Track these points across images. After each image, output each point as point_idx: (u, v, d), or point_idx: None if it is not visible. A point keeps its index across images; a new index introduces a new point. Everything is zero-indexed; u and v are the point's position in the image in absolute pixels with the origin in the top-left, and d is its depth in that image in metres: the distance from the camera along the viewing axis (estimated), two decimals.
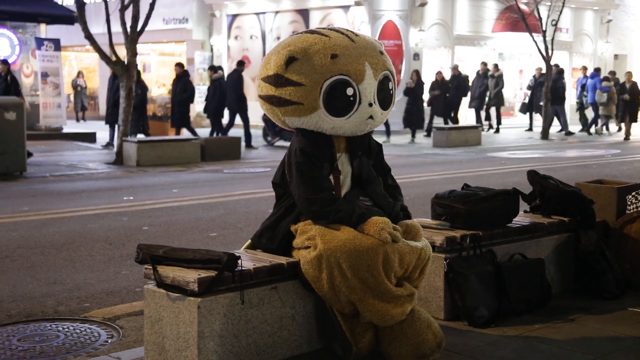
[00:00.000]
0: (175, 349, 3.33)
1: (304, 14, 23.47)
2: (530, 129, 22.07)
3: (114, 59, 13.46)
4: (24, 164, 11.53)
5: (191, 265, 3.38)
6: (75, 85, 27.00)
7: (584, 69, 23.04)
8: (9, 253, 6.25)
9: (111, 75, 15.99)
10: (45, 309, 4.74)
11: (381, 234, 3.33)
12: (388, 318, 3.39)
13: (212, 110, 17.10)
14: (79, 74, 27.67)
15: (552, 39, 19.71)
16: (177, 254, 3.46)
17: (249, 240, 3.79)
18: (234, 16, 25.28)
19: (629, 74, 21.09)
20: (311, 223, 3.46)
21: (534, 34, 19.70)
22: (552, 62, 20.27)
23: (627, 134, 20.04)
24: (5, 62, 14.99)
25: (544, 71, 20.64)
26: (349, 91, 3.47)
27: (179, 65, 17.47)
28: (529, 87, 22.37)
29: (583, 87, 22.25)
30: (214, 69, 17.70)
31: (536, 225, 4.61)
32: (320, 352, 3.60)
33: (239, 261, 3.34)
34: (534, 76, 22.21)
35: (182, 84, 16.63)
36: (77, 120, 26.51)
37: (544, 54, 19.81)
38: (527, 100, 22.57)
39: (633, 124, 20.55)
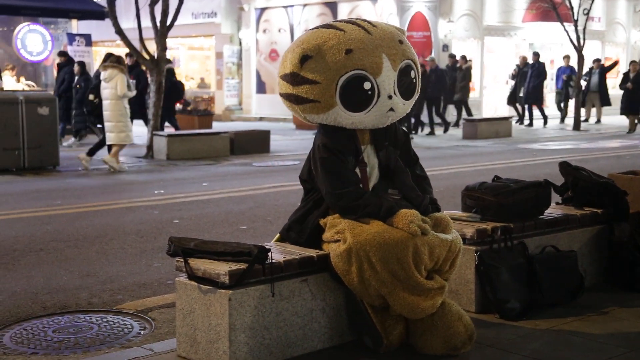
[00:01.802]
0: (206, 340, 3.36)
1: (332, 6, 23.42)
2: (521, 122, 20.81)
3: (144, 53, 13.56)
4: (57, 158, 11.69)
5: (222, 257, 3.40)
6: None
7: (567, 58, 21.83)
8: (44, 246, 6.35)
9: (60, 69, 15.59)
10: (79, 301, 4.81)
11: (410, 226, 3.32)
12: (418, 311, 3.38)
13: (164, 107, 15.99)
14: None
15: (584, 29, 19.43)
16: (208, 246, 3.48)
17: (278, 234, 3.80)
18: (262, 9, 25.32)
19: (635, 63, 20.04)
20: (340, 216, 3.46)
21: (565, 24, 19.44)
22: (584, 52, 19.94)
23: (633, 126, 19.03)
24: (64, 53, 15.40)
25: (530, 60, 20.10)
26: (367, 85, 3.44)
27: (130, 55, 16.40)
28: (513, 77, 21.11)
29: (569, 77, 21.28)
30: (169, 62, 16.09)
31: (568, 217, 4.56)
32: (350, 344, 3.60)
33: (270, 254, 3.35)
34: (517, 65, 21.08)
35: (135, 75, 15.61)
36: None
37: (576, 43, 19.55)
38: (521, 91, 21.00)
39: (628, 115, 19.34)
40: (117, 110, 11.24)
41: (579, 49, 19.60)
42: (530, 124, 20.77)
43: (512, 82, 21.19)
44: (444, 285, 3.44)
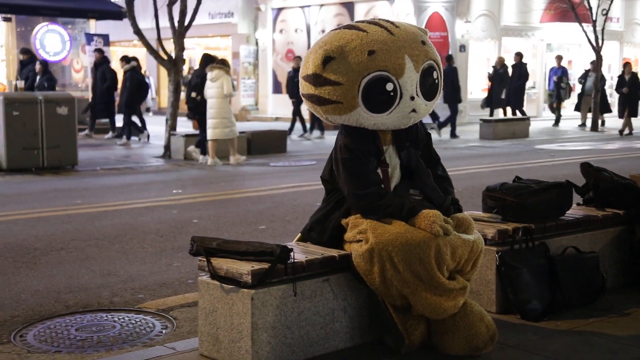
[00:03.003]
0: (229, 339, 3.38)
1: (349, 6, 23.42)
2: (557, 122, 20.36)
3: (162, 53, 13.63)
4: (76, 157, 11.78)
5: (244, 257, 3.42)
6: (186, 83, 25.49)
7: (559, 59, 21.50)
8: (65, 245, 6.40)
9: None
10: (101, 300, 4.85)
11: (433, 227, 3.32)
12: (440, 311, 3.38)
13: (123, 105, 15.93)
14: (190, 69, 25.33)
15: (603, 29, 19.31)
16: (230, 246, 3.50)
17: (299, 234, 3.82)
18: (279, 10, 25.36)
19: (629, 65, 19.53)
20: (362, 217, 3.47)
21: (583, 24, 19.33)
22: (602, 53, 19.77)
23: (628, 128, 18.53)
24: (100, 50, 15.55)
25: (513, 62, 19.60)
26: (389, 86, 3.44)
27: (98, 50, 16.78)
28: (490, 78, 20.23)
29: (560, 78, 20.72)
30: (126, 59, 16.29)
31: (590, 218, 4.54)
32: (372, 344, 3.61)
33: (292, 253, 3.37)
34: (493, 67, 20.19)
35: (101, 72, 16.06)
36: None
37: (594, 44, 19.43)
38: (503, 93, 20.12)
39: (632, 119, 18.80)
40: (223, 108, 12.05)
41: (597, 50, 19.47)
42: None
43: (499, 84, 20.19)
44: (466, 285, 3.44)
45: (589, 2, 19.21)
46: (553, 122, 21.31)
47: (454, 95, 17.58)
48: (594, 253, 4.38)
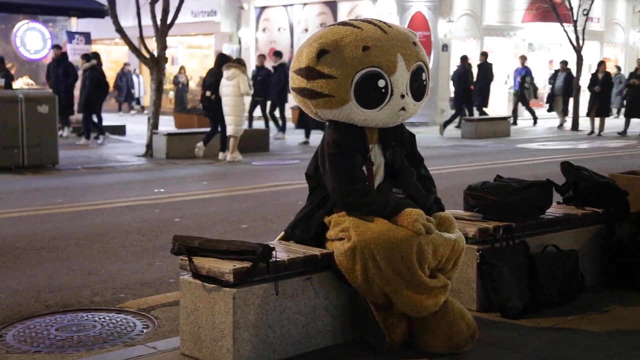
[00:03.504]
0: (210, 338, 3.38)
1: (332, 5, 23.43)
2: (459, 126, 18.81)
3: (144, 52, 13.57)
4: (57, 156, 11.70)
5: (226, 256, 3.41)
6: (176, 82, 23.96)
7: (523, 59, 21.09)
8: (45, 244, 6.36)
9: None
10: (82, 300, 4.82)
11: (415, 225, 3.34)
12: (422, 309, 3.40)
13: (82, 104, 15.51)
14: (181, 69, 24.74)
15: (583, 29, 19.47)
16: (212, 245, 3.49)
17: (282, 232, 3.82)
18: (262, 8, 25.33)
19: (604, 64, 19.01)
20: (345, 215, 3.47)
21: (564, 24, 19.47)
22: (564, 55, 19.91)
23: (598, 128, 18.34)
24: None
25: (476, 61, 19.36)
26: (381, 83, 3.47)
27: (57, 47, 16.57)
28: (453, 78, 19.62)
29: (523, 78, 20.28)
30: (86, 57, 15.74)
31: (570, 216, 4.58)
32: (353, 342, 3.62)
33: (274, 252, 3.37)
34: (458, 66, 19.51)
35: (64, 68, 15.83)
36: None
37: (575, 44, 19.58)
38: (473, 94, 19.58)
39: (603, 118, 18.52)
40: (238, 106, 12.35)
41: (578, 50, 19.62)
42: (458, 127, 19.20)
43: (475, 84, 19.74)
44: (447, 283, 3.46)
45: (570, 2, 19.36)
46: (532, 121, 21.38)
47: (462, 96, 17.81)
48: (574, 251, 4.42)
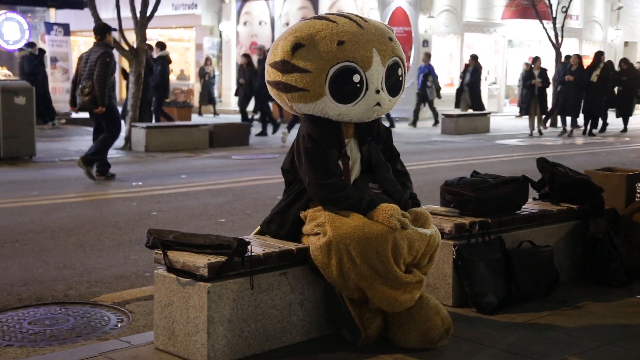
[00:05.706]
0: (185, 333, 3.36)
1: (313, 0, 23.39)
2: (414, 123, 18.95)
3: (123, 44, 13.46)
4: (34, 148, 11.58)
5: (201, 250, 3.40)
6: (202, 74, 22.29)
7: (427, 56, 19.55)
8: (19, 237, 6.29)
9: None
10: (55, 293, 4.77)
11: (390, 220, 3.34)
12: (397, 304, 3.40)
13: (153, 91, 15.20)
14: (207, 60, 22.93)
15: (562, 26, 19.61)
16: (187, 239, 3.47)
17: (258, 227, 3.80)
18: (243, 2, 25.23)
19: (539, 60, 17.68)
20: (321, 209, 3.47)
21: (544, 21, 19.59)
22: (561, 50, 20.04)
23: (536, 126, 17.36)
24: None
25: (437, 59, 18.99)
26: (356, 78, 3.46)
27: (32, 44, 16.67)
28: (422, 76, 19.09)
29: (426, 76, 19.10)
30: (160, 45, 15.67)
31: (545, 212, 4.61)
32: (329, 337, 3.62)
33: (249, 247, 3.35)
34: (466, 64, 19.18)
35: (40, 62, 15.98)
36: (200, 114, 21.64)
37: (554, 41, 19.71)
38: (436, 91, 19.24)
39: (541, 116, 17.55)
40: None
41: (557, 47, 19.75)
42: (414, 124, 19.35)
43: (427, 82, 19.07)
44: (422, 279, 3.47)
45: (549, 0, 19.47)
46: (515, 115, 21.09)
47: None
48: (549, 247, 4.45)
